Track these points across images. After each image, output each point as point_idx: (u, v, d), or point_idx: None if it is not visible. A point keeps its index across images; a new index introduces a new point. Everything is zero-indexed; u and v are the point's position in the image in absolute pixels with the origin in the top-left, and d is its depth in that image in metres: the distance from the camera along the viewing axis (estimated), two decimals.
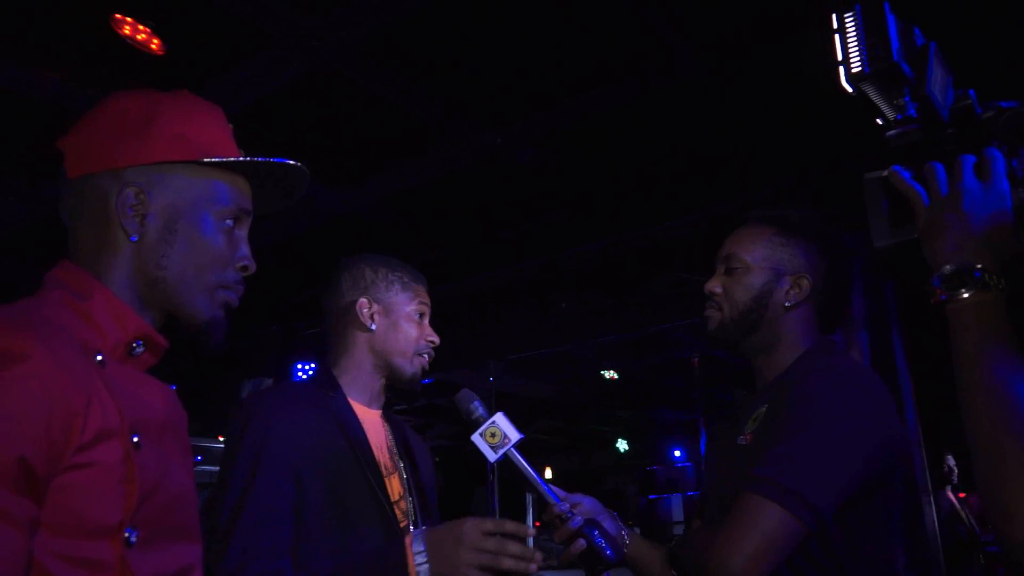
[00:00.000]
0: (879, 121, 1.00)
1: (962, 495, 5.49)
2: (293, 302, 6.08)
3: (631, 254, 5.17)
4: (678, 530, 12.02)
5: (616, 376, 8.74)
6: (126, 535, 0.88)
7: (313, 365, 6.04)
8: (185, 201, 1.07)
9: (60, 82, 3.44)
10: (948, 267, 0.91)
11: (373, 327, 1.79)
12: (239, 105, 3.59)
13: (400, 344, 1.79)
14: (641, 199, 4.78)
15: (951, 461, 5.32)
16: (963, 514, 5.28)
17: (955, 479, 5.38)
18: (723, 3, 3.12)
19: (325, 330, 1.87)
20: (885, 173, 0.99)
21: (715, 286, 1.64)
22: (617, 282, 5.42)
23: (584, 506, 1.60)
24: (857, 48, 0.95)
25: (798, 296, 1.59)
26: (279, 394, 1.75)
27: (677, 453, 12.72)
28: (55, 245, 1.11)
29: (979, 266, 0.89)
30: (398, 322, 1.80)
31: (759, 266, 1.61)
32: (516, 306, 5.87)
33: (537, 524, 1.84)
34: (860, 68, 0.95)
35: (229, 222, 1.10)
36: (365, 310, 1.80)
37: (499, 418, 1.59)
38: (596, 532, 1.53)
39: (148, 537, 0.91)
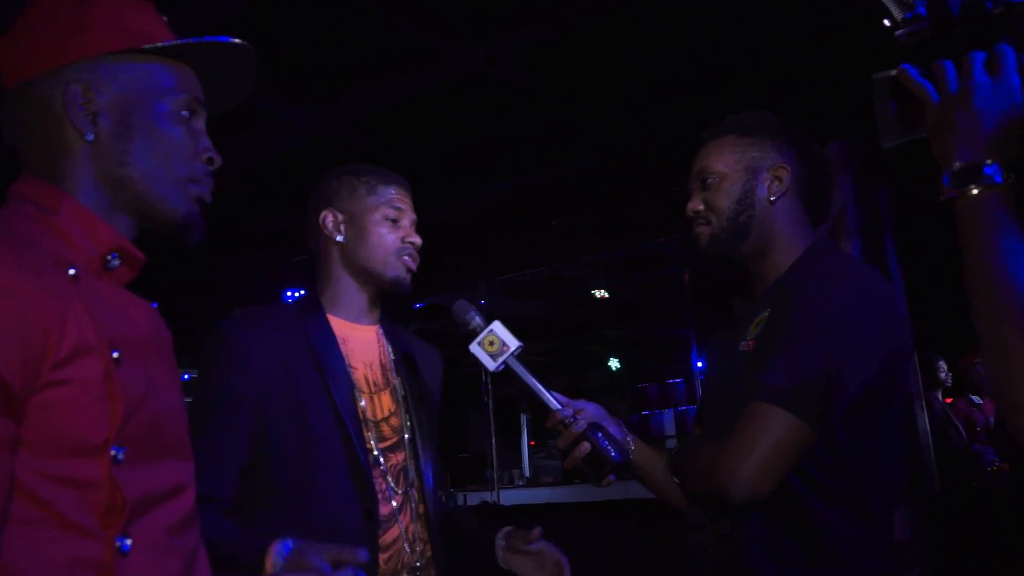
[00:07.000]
0: (886, 22, 0.99)
1: (948, 400, 5.57)
2: (274, 228, 6.00)
3: (619, 170, 5.10)
4: (671, 443, 12.28)
5: (607, 295, 8.76)
6: (112, 453, 0.85)
7: (303, 293, 6.02)
8: (136, 93, 1.01)
9: None
10: (958, 163, 0.90)
11: (340, 238, 1.73)
12: (211, 23, 3.45)
13: (372, 250, 1.71)
14: (627, 113, 4.68)
15: (944, 366, 5.37)
16: (952, 418, 5.37)
17: (948, 383, 5.45)
18: None
19: (308, 252, 1.82)
20: (893, 72, 0.97)
21: (696, 204, 1.61)
22: (606, 199, 5.37)
23: (588, 412, 1.59)
24: None
25: (780, 188, 1.57)
26: (255, 317, 1.70)
27: (668, 369, 12.86)
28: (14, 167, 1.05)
29: (988, 161, 0.88)
30: (366, 227, 1.72)
31: (733, 170, 1.58)
32: (505, 227, 5.83)
33: (532, 443, 1.83)
34: None
35: (185, 113, 1.04)
36: (329, 222, 1.74)
37: (496, 326, 1.56)
38: (600, 435, 1.52)
39: (136, 455, 0.88)
